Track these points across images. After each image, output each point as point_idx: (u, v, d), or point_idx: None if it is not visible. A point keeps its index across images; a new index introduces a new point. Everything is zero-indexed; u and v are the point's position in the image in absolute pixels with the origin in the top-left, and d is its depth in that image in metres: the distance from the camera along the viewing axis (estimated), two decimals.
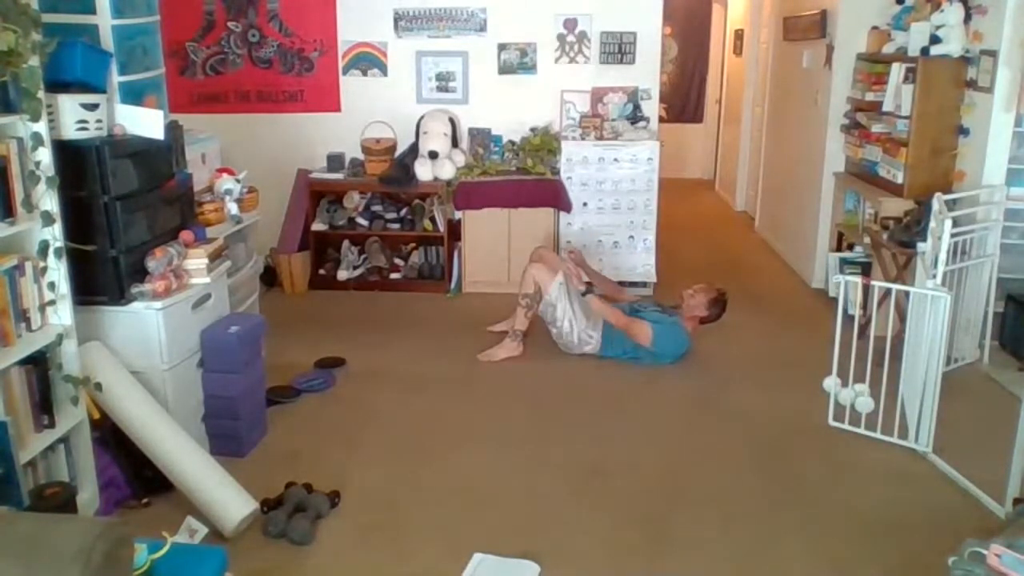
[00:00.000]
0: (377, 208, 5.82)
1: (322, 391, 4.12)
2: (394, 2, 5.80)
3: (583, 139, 5.61)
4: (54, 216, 2.69)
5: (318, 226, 5.77)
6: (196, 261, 3.38)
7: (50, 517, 2.00)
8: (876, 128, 5.06)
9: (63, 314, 2.79)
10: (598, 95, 5.78)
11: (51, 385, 2.76)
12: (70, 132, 2.97)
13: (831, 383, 3.75)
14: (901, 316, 4.20)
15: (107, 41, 3.19)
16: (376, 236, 5.86)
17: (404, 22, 5.85)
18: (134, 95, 3.31)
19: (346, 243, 5.88)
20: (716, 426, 3.81)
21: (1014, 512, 2.93)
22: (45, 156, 2.65)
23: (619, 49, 5.80)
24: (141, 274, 3.16)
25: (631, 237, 5.63)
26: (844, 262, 5.26)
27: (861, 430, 3.67)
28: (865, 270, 4.96)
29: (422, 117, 5.70)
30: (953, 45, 4.53)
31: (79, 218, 2.97)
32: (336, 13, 5.85)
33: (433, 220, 5.70)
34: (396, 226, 5.80)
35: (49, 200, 2.68)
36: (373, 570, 2.77)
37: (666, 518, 3.07)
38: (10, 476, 2.37)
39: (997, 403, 4.02)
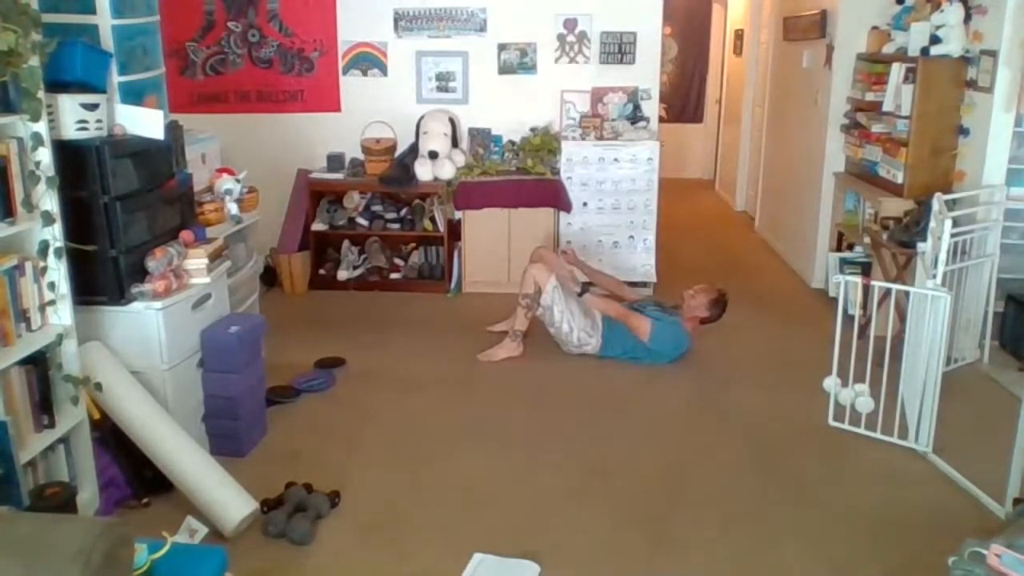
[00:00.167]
0: (377, 208, 5.82)
1: (322, 391, 4.12)
2: (394, 2, 5.80)
3: (583, 139, 5.61)
4: (54, 216, 2.69)
5: (318, 226, 5.77)
6: (196, 261, 3.38)
7: (50, 517, 2.00)
8: (876, 128, 5.06)
9: (63, 314, 2.79)
10: (598, 95, 5.79)
11: (51, 385, 2.76)
12: (70, 132, 2.97)
13: (831, 383, 3.75)
14: (901, 316, 4.20)
15: (107, 41, 3.19)
16: (376, 236, 5.86)
17: (404, 22, 5.85)
18: (134, 95, 3.31)
19: (346, 243, 5.88)
20: (716, 426, 3.81)
21: (1014, 512, 2.93)
22: (45, 156, 2.65)
23: (619, 49, 5.81)
24: (141, 274, 3.16)
25: (631, 237, 5.63)
26: (844, 262, 5.26)
27: (861, 430, 3.67)
28: (865, 270, 4.96)
29: (422, 117, 5.71)
30: (953, 45, 4.53)
31: (79, 218, 2.97)
32: (336, 13, 5.85)
33: (433, 220, 5.71)
34: (396, 226, 5.80)
35: (49, 200, 2.68)
36: (373, 570, 2.77)
37: (666, 518, 3.07)
38: (10, 476, 2.37)
39: (997, 403, 4.02)
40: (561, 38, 5.83)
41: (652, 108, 5.86)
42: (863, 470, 3.43)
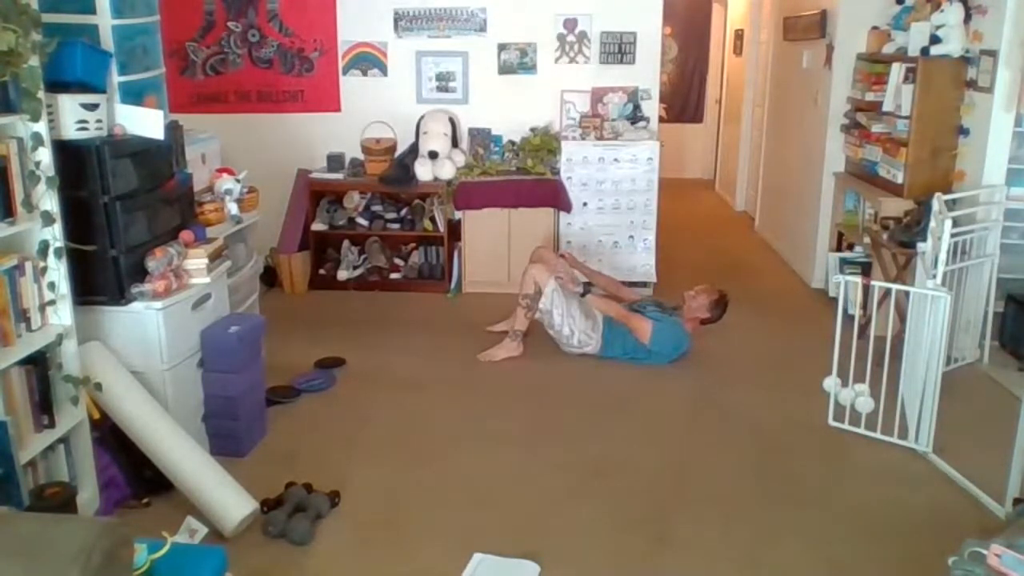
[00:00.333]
0: (377, 208, 5.82)
1: (322, 391, 4.12)
2: (394, 2, 5.80)
3: (583, 139, 5.61)
4: (54, 216, 2.69)
5: (318, 226, 5.77)
6: (196, 261, 3.38)
7: (50, 517, 2.00)
8: (876, 128, 5.06)
9: (63, 314, 2.79)
10: (598, 95, 5.78)
11: (51, 385, 2.76)
12: (70, 132, 2.97)
13: (831, 383, 3.75)
14: (901, 316, 4.20)
15: (107, 41, 3.19)
16: (376, 236, 5.86)
17: (404, 22, 5.85)
18: (134, 95, 3.31)
19: (346, 243, 5.88)
20: (716, 426, 3.81)
21: (1014, 512, 2.93)
22: (45, 156, 2.65)
23: (619, 49, 5.81)
24: (141, 274, 3.16)
25: (631, 237, 5.63)
26: (844, 262, 5.26)
27: (861, 430, 3.67)
28: (865, 270, 4.96)
29: (422, 117, 5.71)
30: (953, 45, 4.53)
31: (79, 218, 2.97)
32: (336, 13, 5.85)
33: (433, 220, 5.70)
34: (396, 226, 5.80)
35: (49, 200, 2.68)
36: (373, 570, 2.77)
37: (666, 518, 3.07)
38: (10, 476, 2.37)
39: (997, 403, 4.02)
40: (561, 38, 5.83)
41: (652, 108, 5.86)
42: (863, 470, 3.43)
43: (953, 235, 3.75)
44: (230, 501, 2.92)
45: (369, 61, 5.92)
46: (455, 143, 5.74)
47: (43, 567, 1.68)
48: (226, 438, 3.45)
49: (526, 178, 5.60)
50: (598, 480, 3.34)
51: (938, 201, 4.01)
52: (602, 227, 5.62)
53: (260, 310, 4.46)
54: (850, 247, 5.46)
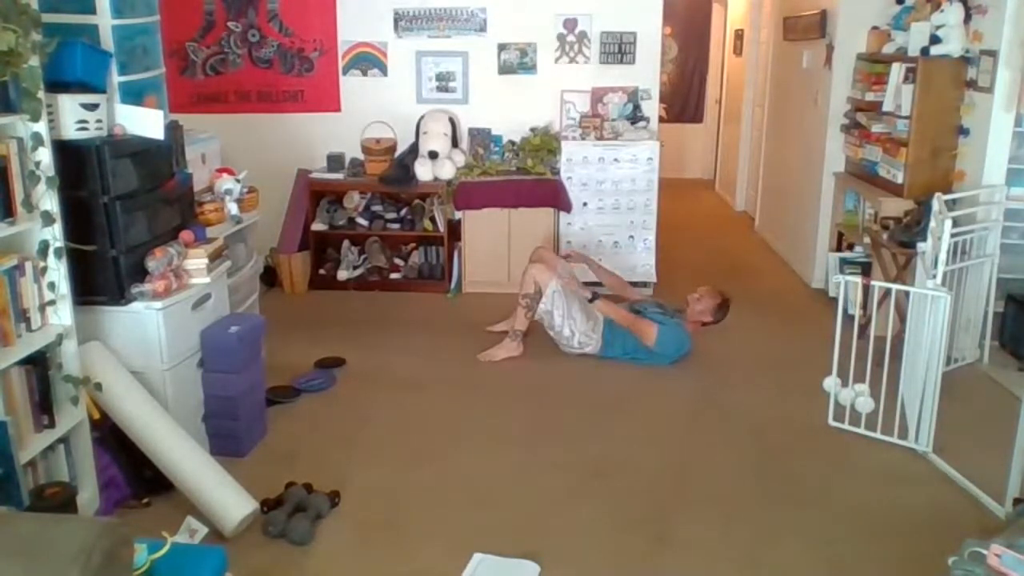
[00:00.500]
0: (377, 208, 5.82)
1: (322, 391, 4.12)
2: (394, 2, 5.80)
3: (583, 139, 5.61)
4: (54, 216, 2.69)
5: (318, 226, 5.77)
6: (196, 261, 3.38)
7: (50, 517, 2.00)
8: (876, 128, 5.06)
9: (63, 314, 2.79)
10: (598, 95, 5.78)
11: (51, 385, 2.76)
12: (70, 132, 2.96)
13: (831, 383, 3.75)
14: (901, 316, 4.20)
15: (107, 41, 3.19)
16: (376, 236, 5.86)
17: (404, 22, 5.85)
18: (134, 95, 3.31)
19: (346, 243, 5.88)
20: (716, 426, 3.81)
21: (1014, 512, 2.93)
22: (45, 156, 2.65)
23: (619, 49, 5.81)
24: (141, 274, 3.16)
25: (631, 237, 5.63)
26: (844, 262, 5.26)
27: (861, 430, 3.67)
28: (865, 270, 4.96)
29: (422, 117, 5.71)
30: (953, 45, 4.53)
31: (79, 218, 2.97)
32: (336, 13, 5.85)
33: (433, 220, 5.70)
34: (396, 226, 5.80)
35: (49, 200, 2.68)
36: (373, 570, 2.77)
37: (666, 518, 3.07)
38: (10, 476, 2.37)
39: (997, 403, 4.02)
40: (561, 38, 5.83)
41: (652, 108, 5.86)
42: (863, 470, 3.43)
43: (953, 235, 3.75)
44: (230, 501, 2.92)
45: (369, 61, 5.92)
46: (455, 143, 5.74)
47: (43, 567, 1.68)
48: (226, 438, 3.45)
49: (526, 178, 5.60)
50: (598, 480, 3.34)
51: (938, 201, 4.01)
52: (602, 227, 5.62)
53: (260, 310, 4.46)
54: (850, 247, 5.46)
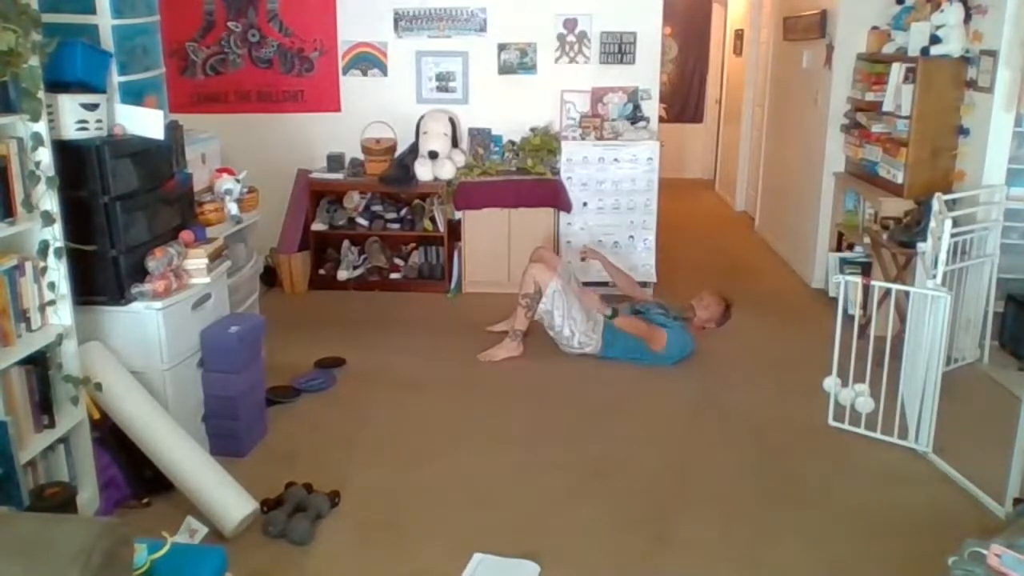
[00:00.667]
0: (377, 208, 5.82)
1: (322, 391, 4.12)
2: (394, 2, 5.80)
3: (583, 139, 5.61)
4: (54, 216, 2.69)
5: (318, 226, 5.77)
6: (196, 261, 3.38)
7: (50, 517, 2.00)
8: (876, 128, 5.06)
9: (63, 314, 2.79)
10: (598, 95, 5.78)
11: (51, 385, 2.76)
12: (70, 132, 2.97)
13: (831, 383, 3.75)
14: (901, 316, 4.20)
15: (107, 41, 3.19)
16: (376, 236, 5.86)
17: (404, 22, 5.85)
18: (134, 95, 3.31)
19: (346, 243, 5.88)
20: (716, 426, 3.81)
21: (1014, 512, 2.93)
22: (45, 156, 2.65)
23: (619, 49, 5.81)
24: (141, 274, 3.16)
25: (631, 237, 5.63)
26: (844, 262, 5.26)
27: (861, 430, 3.67)
28: (865, 270, 4.96)
29: (422, 117, 5.71)
30: (953, 45, 4.53)
31: (79, 218, 2.97)
32: (336, 13, 5.85)
33: (433, 220, 5.70)
34: (396, 226, 5.80)
35: (49, 200, 2.68)
36: (373, 570, 2.77)
37: (666, 518, 3.07)
38: (10, 476, 2.37)
39: (997, 403, 4.02)
40: (561, 38, 5.83)
41: (652, 108, 5.86)
42: (863, 470, 3.43)
43: (953, 235, 3.75)
44: (230, 501, 2.92)
45: (369, 61, 5.92)
46: (455, 143, 5.74)
47: (43, 567, 1.68)
48: (226, 438, 3.45)
49: (526, 178, 5.60)
50: (598, 480, 3.34)
51: (938, 201, 4.01)
52: (602, 227, 5.62)
53: (260, 310, 4.46)
54: (850, 247, 5.46)
